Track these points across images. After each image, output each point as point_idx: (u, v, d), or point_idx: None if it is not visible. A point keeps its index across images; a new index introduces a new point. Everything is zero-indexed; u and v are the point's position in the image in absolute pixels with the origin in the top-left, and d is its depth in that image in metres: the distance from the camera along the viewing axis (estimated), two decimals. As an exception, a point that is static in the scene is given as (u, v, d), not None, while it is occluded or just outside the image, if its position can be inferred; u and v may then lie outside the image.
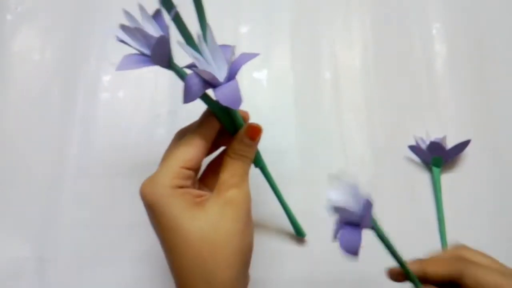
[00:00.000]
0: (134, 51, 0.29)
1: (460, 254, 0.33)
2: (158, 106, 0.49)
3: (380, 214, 0.34)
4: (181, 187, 0.31)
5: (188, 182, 0.32)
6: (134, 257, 0.44)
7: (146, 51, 0.28)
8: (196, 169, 0.33)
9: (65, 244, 0.44)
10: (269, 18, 0.52)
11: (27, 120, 0.48)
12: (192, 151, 0.32)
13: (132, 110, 0.49)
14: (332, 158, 0.47)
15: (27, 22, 0.52)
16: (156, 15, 0.29)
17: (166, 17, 0.29)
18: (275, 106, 0.49)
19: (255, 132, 0.33)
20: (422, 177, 0.47)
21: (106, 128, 0.48)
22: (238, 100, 0.28)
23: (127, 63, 0.28)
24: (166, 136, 0.47)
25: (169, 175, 0.30)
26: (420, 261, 0.33)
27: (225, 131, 0.34)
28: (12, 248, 0.44)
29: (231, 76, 0.29)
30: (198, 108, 0.48)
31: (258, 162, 0.37)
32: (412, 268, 0.32)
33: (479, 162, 0.47)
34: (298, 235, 0.44)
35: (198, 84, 0.29)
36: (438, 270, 0.32)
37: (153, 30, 0.29)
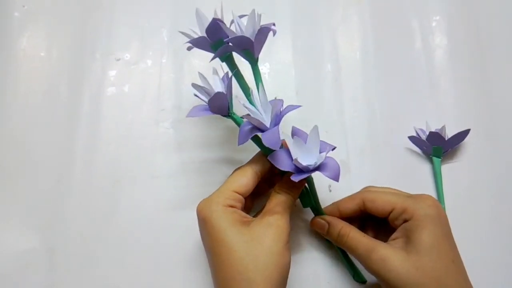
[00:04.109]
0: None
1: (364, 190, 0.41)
2: (163, 100, 0.50)
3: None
4: (232, 206, 0.36)
5: (238, 205, 0.36)
6: (142, 250, 0.45)
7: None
8: (245, 195, 0.37)
9: (73, 235, 0.45)
10: (269, 11, 0.53)
11: (35, 115, 0.49)
12: (242, 179, 0.37)
13: (138, 104, 0.50)
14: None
15: (34, 19, 0.53)
16: (224, 76, 0.40)
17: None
18: (277, 98, 0.50)
19: None
20: (423, 168, 0.48)
21: (112, 122, 0.49)
22: (277, 143, 0.35)
23: (196, 111, 0.38)
24: (170, 129, 0.49)
25: (222, 196, 0.36)
26: (334, 202, 0.42)
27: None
28: (22, 239, 0.44)
29: (275, 123, 0.36)
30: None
31: (307, 203, 0.42)
32: (329, 209, 0.41)
33: (479, 151, 0.48)
34: (357, 279, 0.43)
35: (249, 129, 0.36)
36: (347, 205, 0.40)
37: (220, 87, 0.39)
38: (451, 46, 0.52)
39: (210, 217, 0.35)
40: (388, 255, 0.35)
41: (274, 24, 0.39)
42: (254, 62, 0.39)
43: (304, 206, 0.42)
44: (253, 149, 0.40)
